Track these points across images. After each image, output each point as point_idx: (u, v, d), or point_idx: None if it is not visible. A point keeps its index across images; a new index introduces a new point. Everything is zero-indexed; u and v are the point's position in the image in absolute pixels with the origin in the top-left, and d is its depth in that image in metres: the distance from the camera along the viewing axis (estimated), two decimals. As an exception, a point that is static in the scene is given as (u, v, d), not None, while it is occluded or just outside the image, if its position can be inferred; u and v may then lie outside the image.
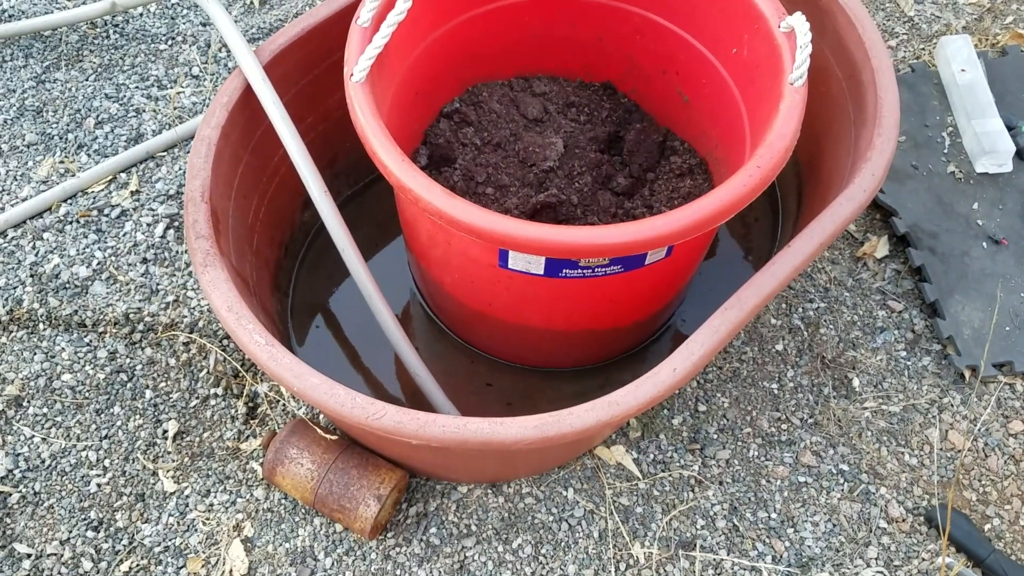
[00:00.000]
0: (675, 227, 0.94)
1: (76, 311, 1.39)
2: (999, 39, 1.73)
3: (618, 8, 1.30)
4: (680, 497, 1.27)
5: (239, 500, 1.26)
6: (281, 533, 1.23)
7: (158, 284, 1.41)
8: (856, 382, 1.37)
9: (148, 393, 1.33)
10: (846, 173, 1.19)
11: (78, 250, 1.44)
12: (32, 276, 1.42)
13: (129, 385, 1.34)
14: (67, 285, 1.41)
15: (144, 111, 1.62)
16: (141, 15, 1.76)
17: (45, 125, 1.60)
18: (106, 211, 1.49)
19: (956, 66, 1.61)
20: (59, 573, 1.20)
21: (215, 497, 1.26)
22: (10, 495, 1.26)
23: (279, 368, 0.97)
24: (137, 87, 1.65)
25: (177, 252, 1.45)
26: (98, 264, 1.43)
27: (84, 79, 1.66)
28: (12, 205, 1.50)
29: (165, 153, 1.57)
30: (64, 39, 1.72)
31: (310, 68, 1.27)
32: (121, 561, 1.21)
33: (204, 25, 1.75)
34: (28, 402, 1.32)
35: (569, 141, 1.36)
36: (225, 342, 1.37)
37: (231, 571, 1.20)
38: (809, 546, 1.24)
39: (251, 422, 1.31)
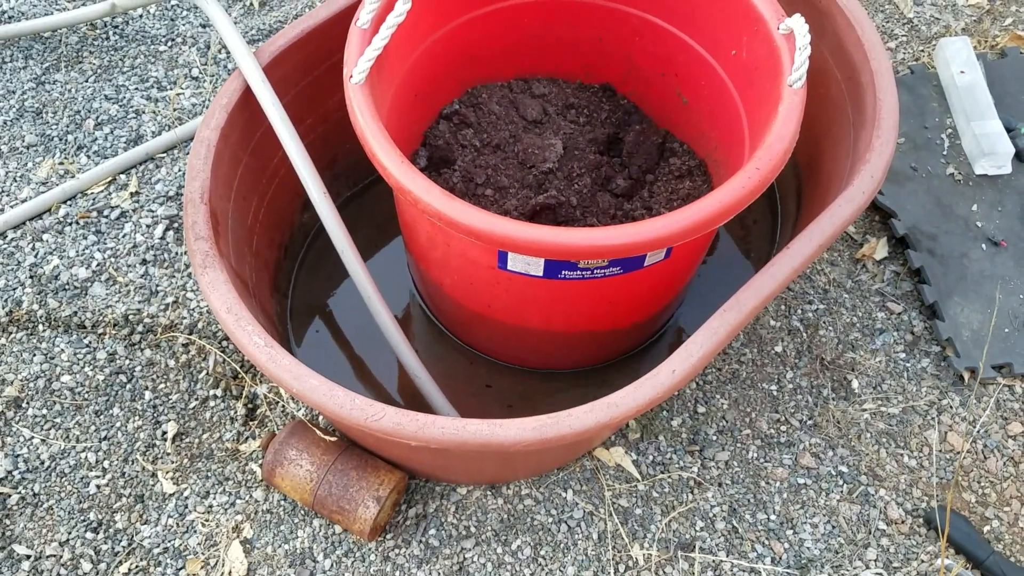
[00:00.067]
0: (674, 229, 0.94)
1: (75, 312, 1.39)
2: (998, 41, 1.73)
3: (617, 10, 1.31)
4: (679, 499, 1.27)
5: (238, 501, 1.26)
6: (280, 534, 1.23)
7: (157, 285, 1.41)
8: (855, 384, 1.37)
9: (147, 394, 1.33)
10: (845, 175, 1.20)
11: (77, 251, 1.45)
12: (31, 277, 1.42)
13: (128, 386, 1.34)
14: (66, 286, 1.41)
15: (144, 112, 1.62)
16: (141, 16, 1.76)
17: (45, 126, 1.60)
18: (105, 212, 1.49)
19: (955, 68, 1.61)
20: (58, 574, 1.20)
21: (214, 498, 1.26)
22: (9, 496, 1.26)
23: (278, 369, 0.97)
24: (137, 88, 1.65)
25: (176, 253, 1.45)
26: (97, 265, 1.43)
27: (84, 80, 1.66)
28: (12, 206, 1.50)
29: (165, 154, 1.57)
30: (64, 40, 1.72)
31: (310, 70, 1.27)
32: (120, 562, 1.21)
33: (204, 26, 1.75)
34: (27, 403, 1.32)
35: (568, 143, 1.36)
36: (224, 343, 1.37)
37: (230, 572, 1.20)
38: (808, 548, 1.24)
39: (250, 423, 1.31)
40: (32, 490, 1.26)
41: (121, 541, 1.23)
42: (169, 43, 1.72)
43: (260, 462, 1.27)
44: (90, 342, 1.37)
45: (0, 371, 1.34)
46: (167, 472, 1.28)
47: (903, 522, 1.26)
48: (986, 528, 1.27)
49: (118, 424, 1.31)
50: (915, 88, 1.64)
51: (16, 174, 1.54)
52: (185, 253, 1.45)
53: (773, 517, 1.26)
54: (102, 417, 1.32)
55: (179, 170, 1.54)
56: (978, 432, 1.34)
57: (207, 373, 1.35)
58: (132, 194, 1.51)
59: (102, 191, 1.51)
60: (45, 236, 1.46)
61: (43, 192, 1.51)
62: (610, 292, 1.12)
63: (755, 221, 1.53)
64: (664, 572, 1.22)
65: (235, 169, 1.20)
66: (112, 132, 1.59)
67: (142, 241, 1.46)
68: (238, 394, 1.34)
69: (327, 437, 1.20)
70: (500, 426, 0.92)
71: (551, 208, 1.25)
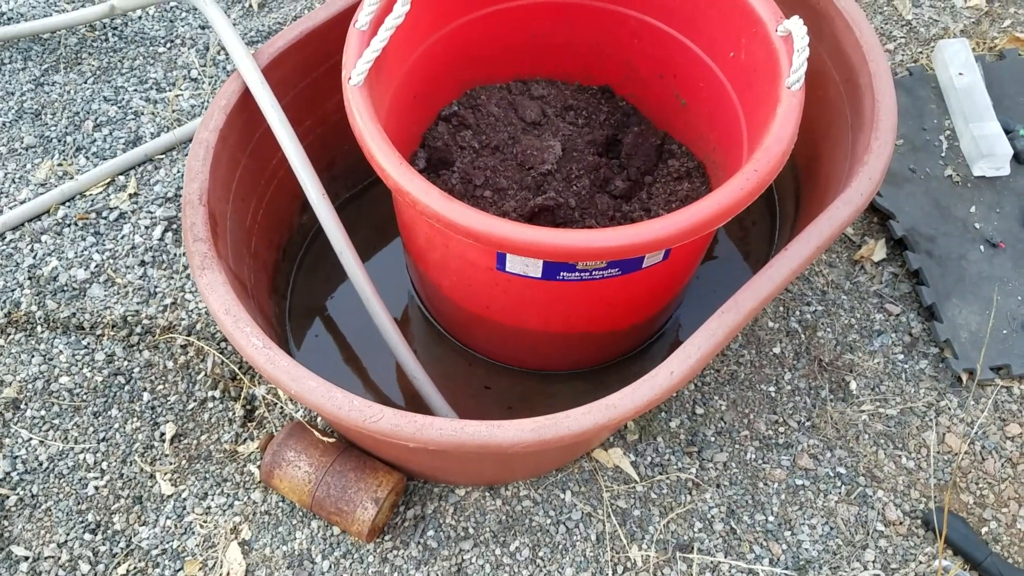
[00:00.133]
0: (672, 230, 0.94)
1: (74, 314, 1.39)
2: (997, 43, 1.73)
3: (616, 12, 1.31)
4: (677, 500, 1.27)
5: (236, 503, 1.26)
6: (278, 536, 1.23)
7: (156, 287, 1.41)
8: (853, 385, 1.37)
9: (146, 396, 1.33)
10: (843, 176, 1.20)
11: (76, 253, 1.44)
12: (30, 278, 1.42)
13: (127, 388, 1.34)
14: (65, 288, 1.41)
15: (142, 114, 1.62)
16: (140, 18, 1.76)
17: (43, 128, 1.60)
18: (104, 214, 1.49)
19: (954, 70, 1.61)
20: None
21: (212, 500, 1.26)
22: (7, 497, 1.26)
23: (276, 371, 0.97)
24: (136, 90, 1.65)
25: (175, 255, 1.45)
26: (96, 267, 1.43)
27: (83, 82, 1.66)
28: (10, 208, 1.50)
29: (163, 156, 1.57)
30: (63, 42, 1.72)
31: (308, 71, 1.28)
32: (119, 564, 1.21)
33: (203, 28, 1.75)
34: (26, 404, 1.32)
35: (567, 144, 1.36)
36: (223, 345, 1.37)
37: (228, 574, 1.20)
38: (806, 549, 1.24)
39: (248, 425, 1.31)
40: (30, 491, 1.26)
41: (119, 542, 1.23)
42: (168, 45, 1.72)
43: (258, 463, 1.27)
44: (88, 343, 1.37)
45: (-2, 372, 1.35)
46: (165, 473, 1.28)
47: (901, 523, 1.27)
48: (984, 529, 1.27)
49: (116, 425, 1.31)
50: (913, 90, 1.64)
51: (15, 175, 1.54)
52: (184, 254, 1.45)
53: (771, 518, 1.26)
54: (100, 418, 1.32)
55: (178, 172, 1.54)
56: (976, 433, 1.34)
57: (205, 374, 1.35)
58: (131, 195, 1.51)
59: (101, 192, 1.52)
60: (44, 237, 1.46)
61: (42, 193, 1.51)
62: (608, 294, 1.12)
63: (753, 223, 1.53)
64: (662, 573, 1.22)
65: (234, 171, 1.20)
66: (111, 133, 1.59)
67: (141, 242, 1.46)
68: (236, 395, 1.34)
69: (325, 438, 1.20)
70: (498, 427, 0.92)
71: (550, 210, 1.25)
